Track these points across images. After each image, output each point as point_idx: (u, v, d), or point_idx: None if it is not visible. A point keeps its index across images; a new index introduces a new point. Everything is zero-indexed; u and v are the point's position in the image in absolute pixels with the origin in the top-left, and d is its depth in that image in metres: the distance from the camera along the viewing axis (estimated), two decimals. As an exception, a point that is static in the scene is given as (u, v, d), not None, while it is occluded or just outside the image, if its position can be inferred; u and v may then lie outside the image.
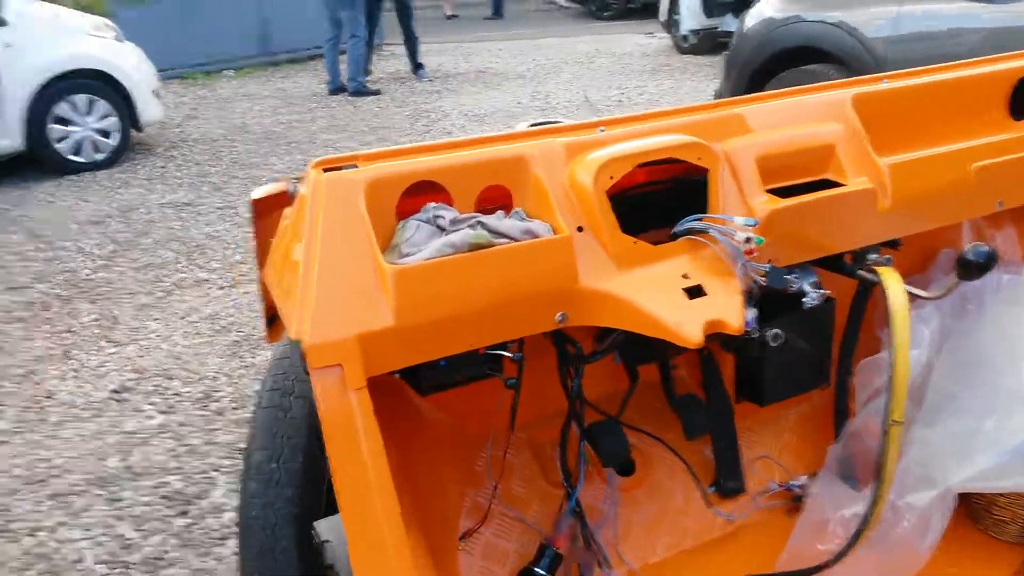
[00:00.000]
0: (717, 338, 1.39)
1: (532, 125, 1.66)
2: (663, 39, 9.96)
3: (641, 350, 1.46)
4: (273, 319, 1.53)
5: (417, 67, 8.85)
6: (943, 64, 1.56)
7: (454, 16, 13.79)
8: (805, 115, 1.36)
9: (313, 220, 1.08)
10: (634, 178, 1.35)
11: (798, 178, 1.32)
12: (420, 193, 1.16)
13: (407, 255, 1.12)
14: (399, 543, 1.04)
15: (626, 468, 1.61)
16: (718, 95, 4.51)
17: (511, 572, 1.44)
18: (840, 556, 1.30)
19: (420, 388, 1.20)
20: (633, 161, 1.19)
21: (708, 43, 8.88)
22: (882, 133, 1.39)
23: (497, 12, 13.72)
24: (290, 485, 1.48)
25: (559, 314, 1.17)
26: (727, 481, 1.63)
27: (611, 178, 1.18)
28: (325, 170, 1.13)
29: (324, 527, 1.33)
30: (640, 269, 1.18)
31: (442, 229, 1.17)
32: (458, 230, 1.16)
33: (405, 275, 1.06)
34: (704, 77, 7.91)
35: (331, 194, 1.10)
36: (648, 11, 11.36)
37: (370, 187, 1.11)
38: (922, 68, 1.57)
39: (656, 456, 1.62)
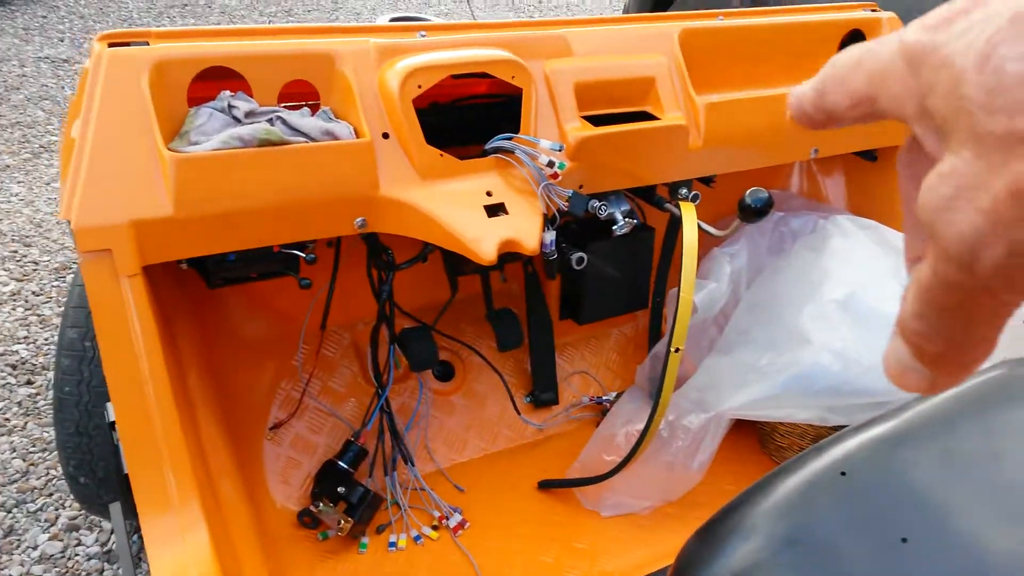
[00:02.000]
0: (520, 258, 1.42)
1: (393, 20, 1.61)
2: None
3: (460, 262, 1.49)
4: None
5: None
6: (783, 7, 1.58)
7: None
8: (633, 45, 1.37)
9: (91, 97, 1.03)
10: (454, 91, 1.34)
11: (616, 107, 1.33)
12: (218, 78, 1.13)
13: (195, 143, 1.09)
14: (171, 433, 1.05)
15: (445, 374, 1.67)
16: (626, 9, 4.45)
17: (317, 463, 1.49)
18: (618, 468, 1.40)
19: (208, 281, 1.20)
20: (443, 71, 1.18)
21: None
22: (705, 70, 1.42)
23: None
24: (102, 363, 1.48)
25: (359, 219, 1.18)
26: (542, 393, 1.71)
27: (419, 87, 1.16)
28: (111, 44, 1.08)
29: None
30: (444, 182, 1.19)
31: (237, 120, 1.14)
32: (253, 123, 1.13)
33: (186, 164, 1.04)
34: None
35: (112, 71, 1.05)
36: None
37: (156, 67, 1.07)
38: (762, 8, 1.59)
39: (476, 365, 1.68)
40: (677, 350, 1.32)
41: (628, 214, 1.42)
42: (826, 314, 1.41)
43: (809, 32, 1.53)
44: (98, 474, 1.59)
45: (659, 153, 1.35)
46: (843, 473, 0.85)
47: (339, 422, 1.54)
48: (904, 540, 0.79)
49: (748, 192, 1.22)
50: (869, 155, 1.74)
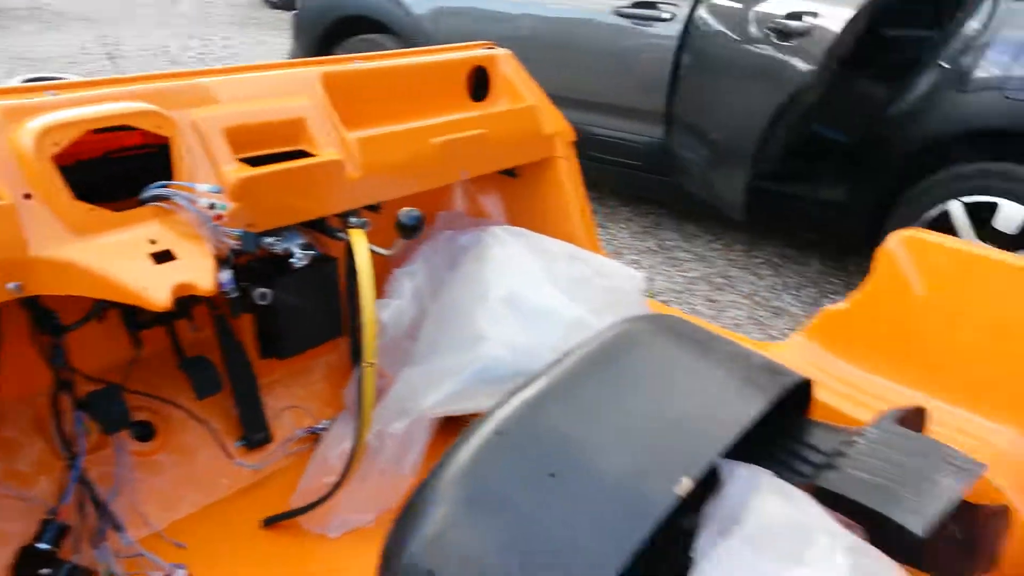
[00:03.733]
0: (203, 301, 1.46)
1: (26, 81, 1.55)
2: (251, -10, 9.66)
3: (138, 314, 1.48)
4: None
5: None
6: (415, 49, 1.80)
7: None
8: (277, 89, 1.48)
9: None
10: (104, 144, 1.35)
11: (273, 148, 1.43)
12: None
13: None
14: None
15: (145, 434, 1.63)
16: (291, 55, 4.54)
17: (13, 553, 1.39)
18: (336, 486, 1.49)
19: None
20: (80, 127, 1.20)
21: (296, -1, 8.82)
22: (353, 109, 1.57)
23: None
24: None
25: (12, 284, 1.15)
26: (254, 433, 1.74)
27: (55, 144, 1.17)
28: None
29: None
30: (102, 236, 1.21)
31: None
32: None
33: None
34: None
35: None
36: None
37: None
38: (394, 52, 1.80)
39: (178, 419, 1.67)
40: (371, 364, 1.44)
41: (304, 247, 1.53)
42: (495, 313, 1.63)
43: (440, 70, 1.76)
44: None
45: (320, 187, 1.48)
46: (499, 433, 1.03)
47: (33, 506, 1.45)
48: (552, 475, 0.99)
49: (400, 212, 1.39)
50: (510, 173, 2.03)
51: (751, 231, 4.27)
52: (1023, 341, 1.51)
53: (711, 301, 3.56)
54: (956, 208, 3.05)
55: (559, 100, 3.52)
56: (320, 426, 1.83)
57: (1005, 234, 2.97)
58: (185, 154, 1.30)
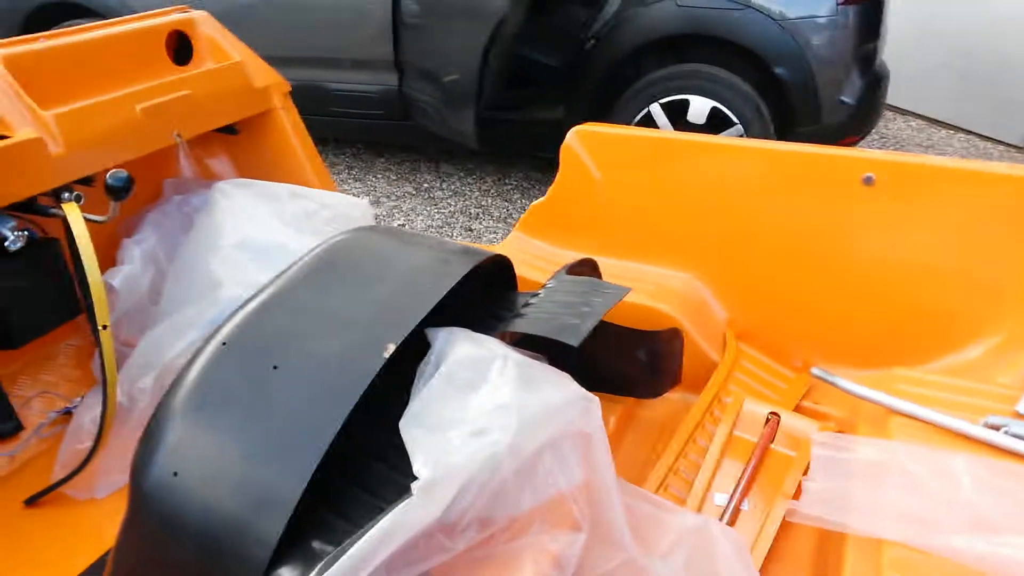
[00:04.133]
0: None
1: None
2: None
3: None
4: None
5: None
6: (106, 21, 1.80)
7: None
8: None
9: None
10: None
11: None
12: None
13: None
14: None
15: None
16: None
17: None
18: (93, 451, 1.53)
19: None
20: None
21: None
22: (48, 87, 1.57)
23: None
24: None
25: None
26: (1, 424, 1.72)
27: None
28: None
29: None
30: None
31: None
32: None
33: None
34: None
35: None
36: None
37: None
38: (85, 26, 1.79)
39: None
40: (104, 327, 1.49)
41: (15, 229, 1.52)
42: (228, 258, 1.71)
43: (136, 39, 1.77)
44: None
45: (20, 168, 1.48)
46: (223, 343, 1.15)
47: None
48: (275, 367, 1.12)
49: (107, 175, 1.43)
50: (230, 130, 2.09)
51: (500, 162, 4.56)
52: (683, 201, 1.83)
53: (469, 230, 3.80)
54: (656, 109, 3.47)
55: (291, 61, 3.57)
56: (72, 405, 1.83)
57: (698, 124, 3.43)
58: None
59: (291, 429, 1.06)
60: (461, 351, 1.16)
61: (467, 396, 1.09)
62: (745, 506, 1.46)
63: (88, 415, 1.65)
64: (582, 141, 1.89)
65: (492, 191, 4.25)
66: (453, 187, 4.29)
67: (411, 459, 0.98)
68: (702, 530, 1.09)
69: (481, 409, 1.05)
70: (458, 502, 0.98)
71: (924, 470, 1.21)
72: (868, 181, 1.60)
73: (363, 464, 1.18)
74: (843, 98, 3.29)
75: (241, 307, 1.22)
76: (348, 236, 1.39)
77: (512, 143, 4.04)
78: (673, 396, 1.78)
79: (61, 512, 1.59)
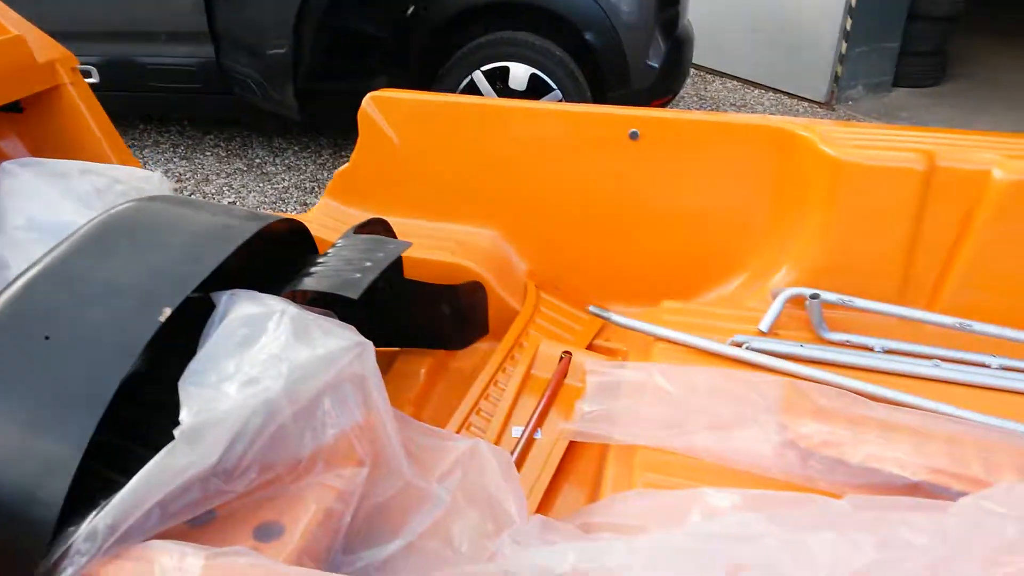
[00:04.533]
0: None
1: None
2: None
3: None
4: None
5: None
6: None
7: None
8: None
9: None
10: None
11: None
12: None
13: None
14: None
15: None
16: None
17: None
18: None
19: None
20: None
21: None
22: None
23: None
24: None
25: None
26: None
27: None
28: None
29: None
30: None
31: None
32: None
33: None
34: None
35: None
36: None
37: None
38: None
39: None
40: None
41: None
42: (14, 240, 1.67)
43: None
44: None
45: None
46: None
47: None
48: (47, 337, 1.13)
49: None
50: (15, 107, 2.00)
51: (335, 135, 4.54)
52: (480, 162, 1.93)
53: (304, 205, 3.79)
54: (478, 76, 3.57)
55: (101, 36, 3.40)
56: None
57: (519, 91, 3.56)
58: None
59: (67, 395, 1.08)
60: (241, 310, 1.21)
61: (243, 351, 1.14)
62: (538, 435, 1.60)
63: None
64: (379, 107, 1.95)
65: (328, 164, 4.23)
66: (287, 162, 4.24)
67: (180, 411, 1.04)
68: (474, 451, 1.20)
69: (254, 361, 1.11)
70: (234, 447, 1.04)
71: (674, 385, 1.38)
72: (634, 136, 1.75)
73: (154, 425, 1.21)
74: (649, 62, 3.51)
75: (12, 282, 1.22)
76: (127, 206, 1.40)
77: (342, 115, 4.04)
78: (482, 346, 1.89)
79: None
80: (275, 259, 1.50)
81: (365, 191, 1.97)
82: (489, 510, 1.18)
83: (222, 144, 4.41)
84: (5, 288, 1.20)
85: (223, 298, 1.26)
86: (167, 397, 1.21)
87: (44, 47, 1.99)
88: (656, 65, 3.52)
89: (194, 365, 1.13)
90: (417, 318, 1.79)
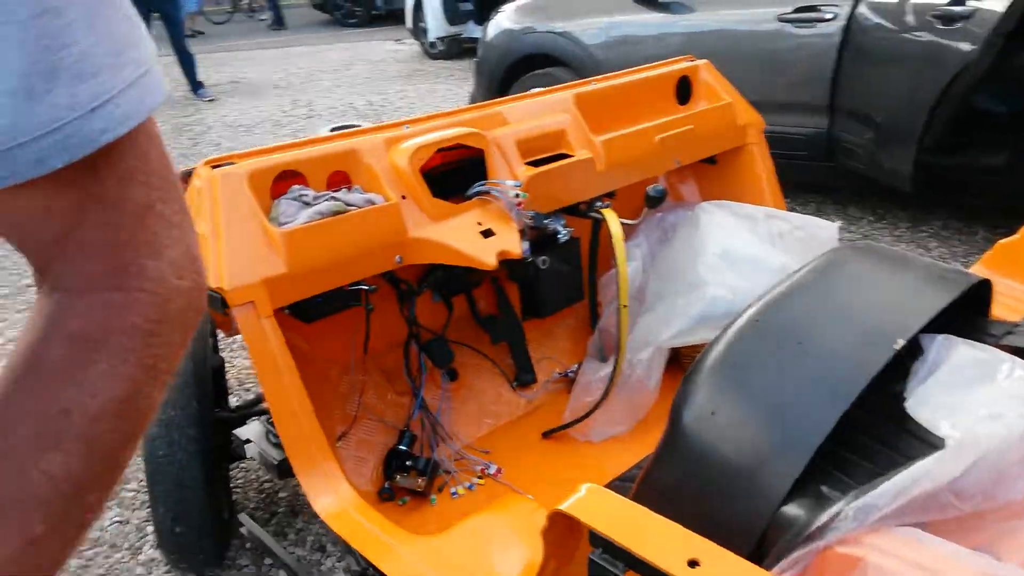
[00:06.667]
0: (505, 267, 1.99)
1: (333, 129, 2.16)
2: (412, 45, 10.57)
3: (452, 285, 2.02)
4: None
5: (196, 86, 8.36)
6: (634, 68, 2.28)
7: (198, 32, 13.42)
8: (545, 109, 2.00)
9: (213, 203, 1.52)
10: (439, 159, 1.90)
11: (545, 153, 1.95)
12: (284, 179, 1.64)
13: (284, 223, 1.59)
14: (313, 427, 1.51)
15: (453, 375, 2.17)
16: (473, 98, 5.16)
17: (379, 456, 1.94)
18: (603, 398, 1.95)
19: (308, 317, 1.67)
20: (434, 146, 1.75)
21: (455, 48, 9.64)
22: (596, 119, 2.07)
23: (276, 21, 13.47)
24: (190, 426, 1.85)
25: (397, 256, 1.70)
26: (524, 375, 2.24)
27: (420, 159, 1.72)
28: (213, 167, 1.57)
29: (244, 431, 1.76)
30: (448, 221, 1.75)
31: (307, 204, 1.65)
32: (319, 203, 1.65)
33: (291, 236, 1.54)
34: (455, 80, 8.62)
35: (224, 183, 1.54)
36: (393, 18, 11.91)
37: (251, 176, 1.57)
38: (619, 72, 2.28)
39: (472, 365, 2.20)
40: (625, 306, 1.90)
41: (565, 226, 2.02)
42: (712, 264, 2.05)
43: (656, 82, 2.23)
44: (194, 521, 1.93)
45: (578, 179, 1.97)
46: (756, 320, 1.45)
47: (388, 427, 2.00)
48: (800, 343, 1.39)
49: (649, 188, 1.85)
50: (711, 160, 2.45)
51: (913, 208, 4.43)
52: None
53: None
54: None
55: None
56: (570, 371, 2.30)
57: None
58: (494, 161, 1.83)
59: (812, 392, 1.31)
60: (964, 352, 1.32)
61: (973, 388, 1.25)
62: None
63: (593, 376, 2.09)
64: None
65: (905, 237, 4.16)
66: (863, 230, 4.29)
67: (931, 426, 1.18)
68: None
69: (993, 397, 1.21)
70: (973, 469, 1.15)
71: None
72: None
73: (853, 437, 1.39)
74: None
75: (762, 296, 1.52)
76: (845, 251, 1.62)
77: (934, 189, 3.94)
78: None
79: (567, 447, 2.04)
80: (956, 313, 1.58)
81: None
82: None
83: (796, 209, 4.64)
84: (760, 298, 1.51)
85: (935, 340, 1.39)
86: (866, 416, 1.37)
87: (743, 112, 2.41)
88: None
89: (921, 393, 1.28)
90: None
